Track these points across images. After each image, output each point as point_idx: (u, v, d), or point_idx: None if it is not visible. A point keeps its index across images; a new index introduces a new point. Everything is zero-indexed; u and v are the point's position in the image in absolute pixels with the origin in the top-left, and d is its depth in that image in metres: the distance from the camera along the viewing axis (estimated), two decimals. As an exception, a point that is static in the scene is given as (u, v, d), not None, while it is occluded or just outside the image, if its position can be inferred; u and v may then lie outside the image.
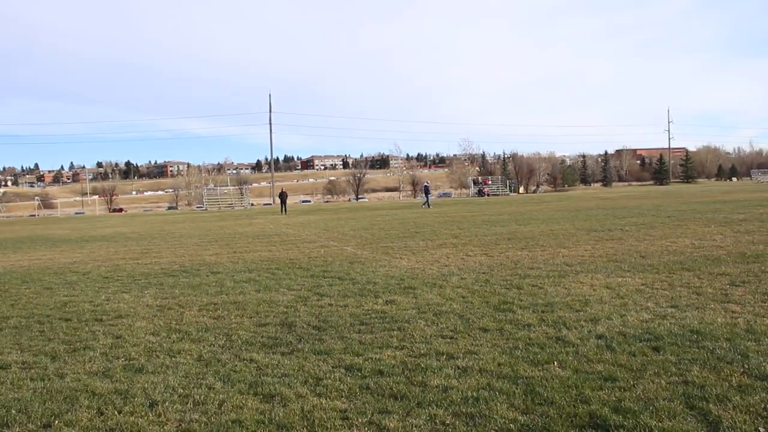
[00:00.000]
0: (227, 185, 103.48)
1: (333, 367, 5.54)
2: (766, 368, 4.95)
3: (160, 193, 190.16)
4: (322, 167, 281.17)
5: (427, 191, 49.72)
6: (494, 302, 7.98)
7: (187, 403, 4.73)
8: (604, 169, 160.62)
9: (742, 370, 4.95)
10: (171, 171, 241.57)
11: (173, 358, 6.03)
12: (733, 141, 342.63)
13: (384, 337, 6.49)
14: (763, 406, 4.21)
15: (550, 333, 6.34)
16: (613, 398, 4.46)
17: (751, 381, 4.69)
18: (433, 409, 4.42)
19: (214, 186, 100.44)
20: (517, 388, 4.75)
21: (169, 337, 6.89)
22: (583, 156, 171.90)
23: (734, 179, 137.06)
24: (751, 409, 4.17)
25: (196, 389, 5.04)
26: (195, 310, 8.40)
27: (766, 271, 9.57)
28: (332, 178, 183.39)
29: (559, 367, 5.22)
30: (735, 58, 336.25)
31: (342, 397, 4.76)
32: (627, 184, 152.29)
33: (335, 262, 13.04)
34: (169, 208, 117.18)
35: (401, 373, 5.25)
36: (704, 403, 4.31)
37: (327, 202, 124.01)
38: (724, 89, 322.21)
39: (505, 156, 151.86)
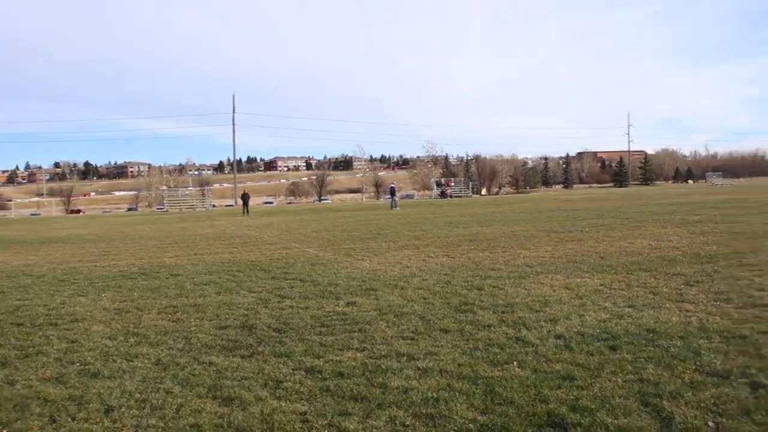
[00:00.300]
0: (189, 186, 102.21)
1: (293, 369, 5.51)
2: (717, 365, 5.08)
3: (119, 194, 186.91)
4: (286, 168, 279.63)
5: (393, 193, 49.76)
6: (455, 303, 8.03)
7: (144, 408, 4.65)
8: (566, 171, 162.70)
9: (694, 367, 5.07)
10: (131, 172, 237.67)
11: (130, 363, 5.93)
12: (690, 145, 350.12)
13: (345, 339, 6.48)
14: (713, 401, 4.33)
15: (510, 333, 6.40)
16: (571, 397, 4.53)
17: (703, 377, 4.82)
18: (393, 410, 4.43)
19: (176, 187, 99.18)
20: (476, 389, 4.79)
21: (127, 341, 6.77)
22: (545, 158, 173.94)
23: (690, 182, 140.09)
24: (701, 404, 4.29)
25: (153, 394, 4.96)
26: (154, 313, 8.28)
27: (719, 270, 9.80)
28: (295, 179, 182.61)
29: (518, 367, 5.28)
30: (693, 65, 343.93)
31: (302, 399, 4.74)
32: (587, 186, 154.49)
33: (297, 263, 12.98)
34: (129, 209, 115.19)
35: (362, 375, 5.25)
36: (658, 399, 4.41)
37: (290, 203, 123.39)
38: (682, 95, 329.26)
39: (468, 158, 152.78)
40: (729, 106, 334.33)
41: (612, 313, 7.11)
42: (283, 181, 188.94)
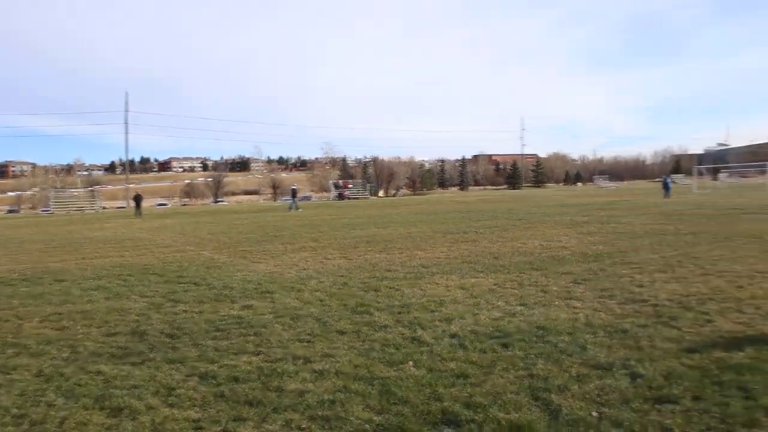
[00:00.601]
0: (77, 187, 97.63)
1: (186, 375, 5.36)
2: (601, 358, 5.34)
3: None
4: (181, 169, 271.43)
5: (294, 194, 49.34)
6: (352, 305, 8.04)
7: (22, 424, 4.37)
8: (462, 174, 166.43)
9: (580, 361, 5.30)
10: (13, 171, 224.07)
11: (7, 376, 5.56)
12: (579, 149, 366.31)
13: (240, 343, 6.36)
14: (597, 392, 4.55)
15: (405, 334, 6.47)
16: (465, 394, 4.63)
17: (588, 370, 5.05)
18: (288, 413, 4.39)
19: (63, 188, 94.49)
20: (372, 389, 4.81)
21: (4, 353, 6.34)
22: (442, 161, 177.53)
23: (579, 184, 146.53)
24: (587, 396, 4.50)
25: (33, 408, 4.67)
26: (36, 322, 7.81)
27: (604, 269, 10.30)
28: (191, 180, 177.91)
29: (414, 367, 5.34)
30: (584, 74, 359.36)
31: (195, 406, 4.61)
32: (482, 188, 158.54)
33: (191, 267, 12.64)
34: (10, 211, 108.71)
35: (257, 379, 5.17)
36: (547, 393, 4.58)
37: (185, 205, 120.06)
38: (573, 102, 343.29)
39: (367, 160, 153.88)
40: (615, 114, 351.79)
41: (505, 312, 7.32)
42: (186, 181, 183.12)
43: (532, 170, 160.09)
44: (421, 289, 9.03)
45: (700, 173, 79.09)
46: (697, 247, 12.99)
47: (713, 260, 10.88)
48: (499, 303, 7.85)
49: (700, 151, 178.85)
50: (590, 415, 4.17)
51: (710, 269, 9.91)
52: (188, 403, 4.68)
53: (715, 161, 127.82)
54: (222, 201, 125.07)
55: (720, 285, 8.55)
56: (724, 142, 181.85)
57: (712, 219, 20.69)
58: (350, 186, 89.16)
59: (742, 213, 23.15)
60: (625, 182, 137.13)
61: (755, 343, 5.68)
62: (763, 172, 71.94)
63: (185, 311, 8.07)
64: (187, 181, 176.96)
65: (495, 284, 9.25)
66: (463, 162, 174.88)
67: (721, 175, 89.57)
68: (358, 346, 6.09)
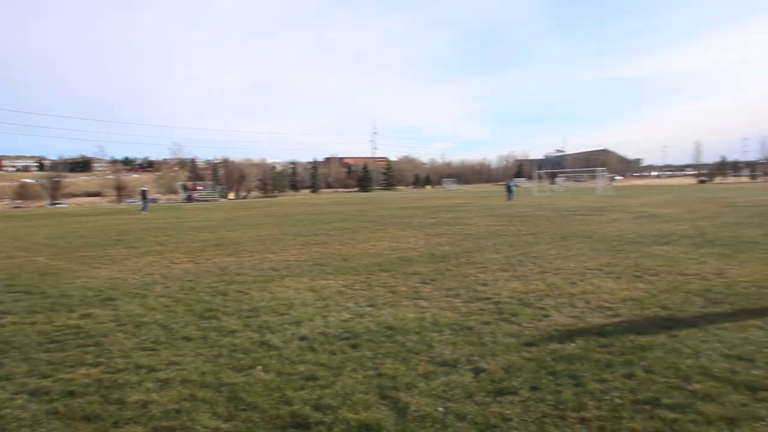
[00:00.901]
0: None
1: (14, 393, 4.93)
2: (446, 355, 5.51)
3: None
4: (13, 169, 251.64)
5: (144, 196, 47.12)
6: (199, 310, 7.78)
7: None
8: (313, 176, 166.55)
9: (427, 358, 5.45)
10: None
11: None
12: (429, 153, 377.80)
13: (77, 355, 5.95)
14: (442, 388, 4.69)
15: (254, 338, 6.35)
16: (314, 396, 4.61)
17: (434, 368, 5.19)
18: (131, 426, 4.17)
19: None
20: (220, 396, 4.68)
21: None
22: (294, 163, 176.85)
23: (428, 187, 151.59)
24: (433, 392, 4.62)
25: None
26: None
27: (451, 269, 10.67)
28: (25, 180, 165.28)
29: (262, 371, 5.25)
30: (434, 79, 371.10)
31: (24, 426, 4.25)
32: (334, 190, 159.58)
33: (23, 274, 11.70)
34: None
35: (96, 392, 4.86)
36: (395, 392, 4.65)
37: (17, 207, 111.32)
38: (424, 106, 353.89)
39: (217, 161, 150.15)
40: (462, 120, 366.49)
41: (354, 313, 7.38)
42: (20, 182, 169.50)
43: (383, 173, 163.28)
44: (271, 293, 8.90)
45: (540, 177, 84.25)
46: (536, 246, 13.77)
47: (550, 259, 11.58)
48: (349, 304, 7.90)
49: (541, 157, 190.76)
50: (436, 410, 4.29)
51: (548, 267, 10.54)
52: (15, 423, 4.31)
53: (554, 166, 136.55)
54: (60, 203, 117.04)
55: (556, 282, 9.11)
56: (561, 149, 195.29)
57: (550, 220, 22.02)
58: (199, 188, 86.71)
59: (576, 214, 24.85)
60: (472, 185, 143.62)
61: (585, 334, 6.09)
62: (594, 177, 77.98)
63: (14, 323, 7.44)
64: (21, 182, 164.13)
65: (344, 286, 9.30)
66: (315, 164, 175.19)
67: (558, 179, 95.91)
68: (205, 352, 5.90)
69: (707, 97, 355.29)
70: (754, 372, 4.90)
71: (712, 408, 4.20)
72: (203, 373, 5.24)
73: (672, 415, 4.10)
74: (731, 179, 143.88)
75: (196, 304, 8.22)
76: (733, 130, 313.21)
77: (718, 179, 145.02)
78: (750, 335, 5.94)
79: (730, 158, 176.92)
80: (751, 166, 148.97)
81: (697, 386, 4.61)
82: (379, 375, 5.06)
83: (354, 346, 5.92)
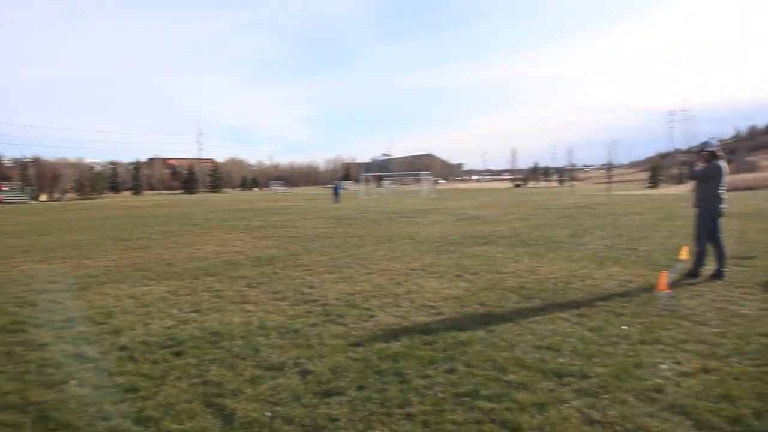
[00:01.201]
0: None
1: None
2: (273, 359, 5.49)
3: None
4: None
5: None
6: (3, 323, 7.11)
7: None
8: (135, 177, 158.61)
9: (254, 363, 5.39)
10: None
11: None
12: (257, 155, 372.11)
13: None
14: (270, 392, 4.67)
15: (68, 350, 5.93)
16: (135, 409, 4.41)
17: (261, 372, 5.15)
18: None
19: None
20: (26, 417, 4.33)
21: None
22: (114, 163, 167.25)
23: (256, 189, 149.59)
24: (260, 397, 4.59)
25: None
26: None
27: (278, 272, 10.62)
28: None
29: (77, 386, 4.93)
30: (261, 81, 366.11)
31: None
32: (158, 192, 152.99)
33: None
34: None
35: None
36: (221, 399, 4.56)
37: None
38: (251, 107, 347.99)
39: (27, 160, 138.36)
40: (290, 122, 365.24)
41: (178, 320, 7.13)
42: None
43: (210, 175, 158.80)
44: (88, 301, 8.36)
45: (367, 180, 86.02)
46: (362, 248, 14.05)
47: (376, 260, 11.87)
48: (172, 311, 7.62)
49: (368, 160, 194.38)
50: (264, 415, 4.26)
51: (374, 268, 10.79)
52: None
53: (380, 169, 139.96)
54: None
55: (382, 282, 9.36)
56: (387, 153, 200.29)
57: (376, 222, 22.57)
58: (6, 189, 79.53)
59: (401, 217, 25.67)
60: (300, 188, 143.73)
61: (409, 333, 6.32)
62: (419, 180, 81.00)
63: None
64: None
65: (168, 292, 8.96)
66: (138, 165, 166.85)
67: (384, 182, 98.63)
68: (9, 369, 5.41)
69: (523, 107, 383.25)
70: (561, 360, 5.34)
71: (524, 395, 4.52)
72: (6, 393, 4.80)
73: (489, 405, 4.36)
74: (543, 183, 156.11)
75: (1, 316, 7.53)
76: (545, 138, 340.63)
77: (531, 183, 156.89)
78: (557, 327, 6.46)
79: (542, 164, 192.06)
80: (560, 171, 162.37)
81: (512, 376, 4.94)
82: (205, 382, 4.93)
83: (177, 354, 5.72)
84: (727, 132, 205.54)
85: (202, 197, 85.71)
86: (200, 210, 37.05)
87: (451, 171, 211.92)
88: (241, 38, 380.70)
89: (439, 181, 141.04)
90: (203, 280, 9.89)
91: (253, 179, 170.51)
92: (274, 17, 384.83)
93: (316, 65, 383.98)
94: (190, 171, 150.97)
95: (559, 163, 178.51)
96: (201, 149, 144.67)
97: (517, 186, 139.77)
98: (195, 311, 7.57)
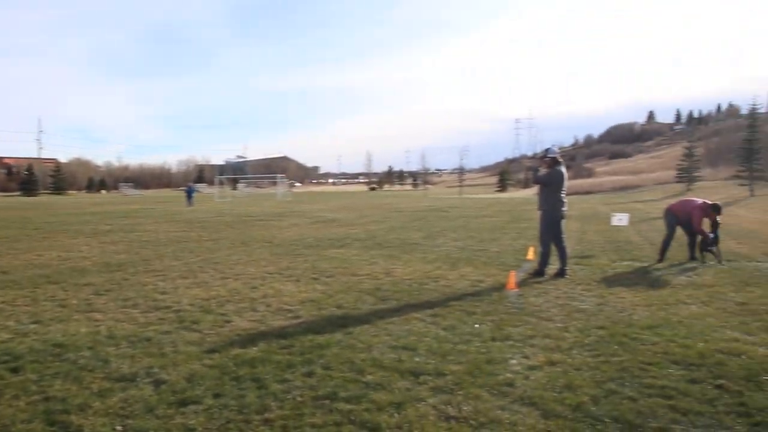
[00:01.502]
0: None
1: None
2: (124, 369, 5.22)
3: None
4: None
5: None
6: None
7: None
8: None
9: (103, 375, 5.10)
10: None
11: None
12: (104, 155, 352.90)
13: None
14: (120, 405, 4.43)
15: None
16: (-36, 432, 4.04)
17: (111, 384, 4.88)
18: None
19: None
20: None
21: None
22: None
23: (104, 192, 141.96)
24: (110, 411, 4.34)
25: None
26: None
27: (128, 278, 10.15)
28: None
29: None
30: (105, 77, 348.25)
31: None
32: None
33: None
34: None
35: None
36: (66, 415, 4.27)
37: None
38: (95, 105, 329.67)
39: None
40: (138, 121, 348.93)
41: (15, 332, 6.60)
42: None
43: (52, 176, 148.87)
44: None
45: (222, 183, 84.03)
46: (217, 252, 13.74)
47: (232, 264, 11.65)
48: (9, 323, 7.05)
49: (222, 162, 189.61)
50: (114, 429, 4.04)
51: (229, 273, 10.58)
52: None
53: (235, 172, 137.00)
54: None
55: (237, 287, 9.19)
56: (242, 155, 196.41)
57: (231, 226, 22.16)
58: None
59: (257, 220, 25.37)
60: (151, 190, 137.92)
61: (266, 337, 6.25)
62: (275, 183, 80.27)
63: None
64: None
65: (4, 302, 8.28)
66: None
67: (240, 185, 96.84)
68: None
69: (377, 111, 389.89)
70: (417, 359, 5.48)
71: (382, 395, 4.59)
72: None
73: (348, 407, 4.39)
74: (397, 187, 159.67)
75: None
76: (399, 143, 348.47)
77: (386, 187, 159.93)
78: (413, 327, 6.64)
79: (396, 168, 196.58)
80: (414, 175, 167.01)
81: (369, 377, 5.00)
82: (47, 399, 4.60)
83: (14, 370, 5.29)
84: (567, 140, 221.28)
85: (44, 199, 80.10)
86: (41, 213, 34.63)
87: (307, 174, 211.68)
88: (87, 31, 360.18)
89: (296, 184, 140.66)
90: (45, 289, 9.25)
91: (101, 181, 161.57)
92: (121, 10, 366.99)
93: (168, 64, 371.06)
94: (29, 171, 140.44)
95: (414, 167, 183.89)
96: (41, 148, 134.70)
97: (373, 189, 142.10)
98: (35, 322, 7.05)
